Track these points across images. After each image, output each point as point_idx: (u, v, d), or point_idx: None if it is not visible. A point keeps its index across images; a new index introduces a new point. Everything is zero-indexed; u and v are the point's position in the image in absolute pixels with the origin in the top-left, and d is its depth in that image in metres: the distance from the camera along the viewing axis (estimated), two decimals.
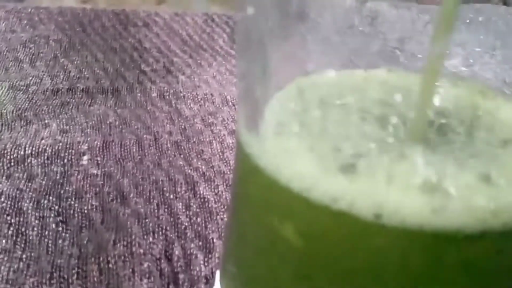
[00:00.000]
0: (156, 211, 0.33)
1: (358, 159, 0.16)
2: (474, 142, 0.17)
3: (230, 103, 0.45)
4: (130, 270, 0.29)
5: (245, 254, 0.20)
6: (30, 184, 0.34)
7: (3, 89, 0.45)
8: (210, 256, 0.30)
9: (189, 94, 0.46)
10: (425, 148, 0.16)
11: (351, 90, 0.20)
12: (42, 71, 0.48)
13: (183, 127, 0.41)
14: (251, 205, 0.19)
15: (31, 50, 0.51)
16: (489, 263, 0.16)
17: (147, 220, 0.32)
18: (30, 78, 0.46)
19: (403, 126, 0.17)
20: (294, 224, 0.17)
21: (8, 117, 0.41)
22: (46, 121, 0.41)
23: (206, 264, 0.30)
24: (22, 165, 0.36)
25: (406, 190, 0.15)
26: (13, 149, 0.37)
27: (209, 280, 0.29)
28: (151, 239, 0.31)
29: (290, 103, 0.19)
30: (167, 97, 0.45)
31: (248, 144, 0.18)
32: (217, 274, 0.22)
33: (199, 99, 0.45)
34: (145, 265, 0.29)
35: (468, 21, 0.20)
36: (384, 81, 0.20)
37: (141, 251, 0.30)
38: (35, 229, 0.31)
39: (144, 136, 0.40)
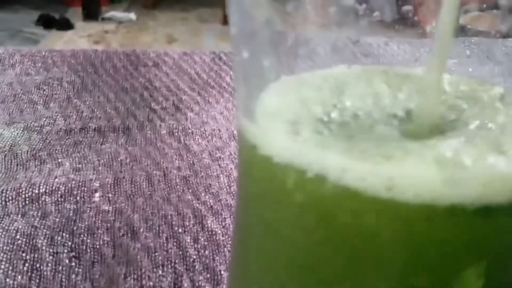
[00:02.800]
0: (165, 244, 0.34)
1: (367, 138, 0.16)
2: (483, 126, 0.17)
3: (237, 138, 0.46)
4: None
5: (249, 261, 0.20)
6: (44, 221, 0.36)
7: (18, 130, 0.46)
8: (218, 287, 0.31)
9: (197, 130, 0.47)
10: (437, 133, 0.17)
11: (354, 83, 0.20)
12: (56, 112, 0.50)
13: (191, 162, 0.43)
14: (254, 192, 0.19)
15: (45, 92, 0.53)
16: (500, 238, 0.16)
17: (156, 254, 0.33)
18: (44, 119, 0.48)
19: (412, 119, 0.17)
20: (301, 203, 0.17)
21: (23, 157, 0.43)
22: (59, 160, 0.43)
23: None
24: (36, 203, 0.37)
25: (419, 163, 0.15)
26: (27, 188, 0.38)
27: None
28: (160, 272, 0.32)
29: (290, 93, 0.19)
30: (176, 133, 0.47)
31: (247, 129, 0.18)
32: None
33: (207, 135, 0.47)
34: None
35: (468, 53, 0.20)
36: (384, 76, 0.20)
37: (151, 284, 0.31)
38: (49, 264, 0.32)
39: (154, 172, 0.41)
